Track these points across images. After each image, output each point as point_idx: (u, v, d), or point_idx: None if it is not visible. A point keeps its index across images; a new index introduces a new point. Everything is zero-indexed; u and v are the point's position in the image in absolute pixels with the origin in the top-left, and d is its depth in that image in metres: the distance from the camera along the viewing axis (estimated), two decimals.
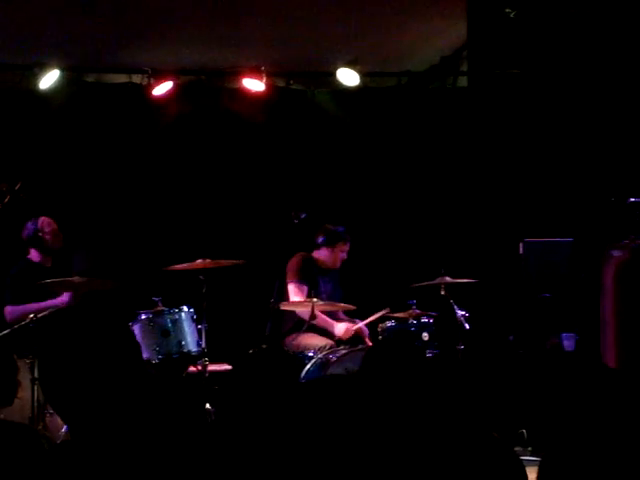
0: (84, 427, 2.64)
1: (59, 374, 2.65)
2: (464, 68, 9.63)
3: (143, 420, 2.69)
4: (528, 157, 9.20)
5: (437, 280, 7.77)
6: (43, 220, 7.68)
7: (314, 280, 7.99)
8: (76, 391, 2.63)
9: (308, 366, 7.19)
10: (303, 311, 7.63)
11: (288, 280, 8.01)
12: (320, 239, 8.18)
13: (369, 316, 7.81)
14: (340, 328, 7.87)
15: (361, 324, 7.85)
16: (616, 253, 7.40)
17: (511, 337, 8.27)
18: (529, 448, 7.29)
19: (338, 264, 8.23)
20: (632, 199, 7.59)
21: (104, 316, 2.74)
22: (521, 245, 8.26)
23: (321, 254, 8.20)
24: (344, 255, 8.22)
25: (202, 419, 7.08)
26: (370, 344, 7.84)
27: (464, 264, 8.46)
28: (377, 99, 9.92)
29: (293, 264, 8.08)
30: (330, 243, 8.16)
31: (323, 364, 7.15)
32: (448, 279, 7.76)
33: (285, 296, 7.92)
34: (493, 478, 2.47)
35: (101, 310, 2.77)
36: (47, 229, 7.66)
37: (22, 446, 3.05)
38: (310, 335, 7.78)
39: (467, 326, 7.65)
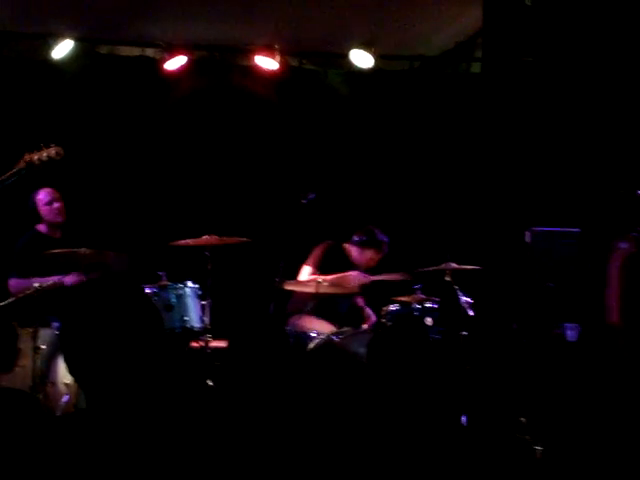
0: (102, 395, 2.65)
1: (81, 342, 2.65)
2: (478, 54, 9.59)
3: (151, 394, 2.71)
4: (538, 145, 9.15)
5: (442, 266, 7.74)
6: (41, 192, 7.58)
7: (336, 269, 7.92)
8: (97, 360, 2.64)
9: (311, 346, 7.19)
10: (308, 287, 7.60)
11: (305, 262, 8.01)
12: (356, 236, 8.14)
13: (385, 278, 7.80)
14: (352, 276, 7.86)
15: (374, 278, 7.83)
16: (623, 245, 7.37)
17: (515, 325, 8.25)
18: (527, 436, 7.29)
19: (362, 267, 8.11)
20: None
21: (129, 286, 2.75)
22: (527, 233, 8.22)
23: (351, 249, 8.17)
24: (372, 263, 8.15)
25: (203, 394, 7.09)
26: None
27: (470, 251, 8.43)
28: (390, 82, 9.91)
29: (317, 251, 8.07)
30: (362, 244, 8.09)
31: (326, 345, 7.13)
32: (454, 265, 7.72)
33: (294, 275, 7.89)
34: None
35: (115, 281, 2.75)
36: (44, 200, 7.55)
37: (23, 412, 3.07)
38: (314, 318, 7.75)
39: (471, 313, 7.62)
